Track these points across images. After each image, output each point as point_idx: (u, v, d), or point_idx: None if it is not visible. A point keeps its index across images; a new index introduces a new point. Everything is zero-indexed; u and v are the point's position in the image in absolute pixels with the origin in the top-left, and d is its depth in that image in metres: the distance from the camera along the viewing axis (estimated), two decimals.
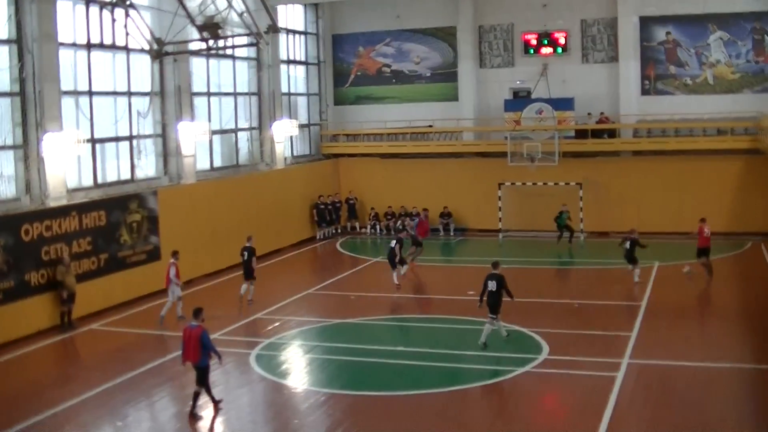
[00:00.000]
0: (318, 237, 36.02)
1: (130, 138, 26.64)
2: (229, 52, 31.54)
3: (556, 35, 35.79)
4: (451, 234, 36.12)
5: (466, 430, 14.77)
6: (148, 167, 27.59)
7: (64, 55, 23.70)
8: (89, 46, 24.95)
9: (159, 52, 26.66)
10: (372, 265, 30.51)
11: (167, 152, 28.14)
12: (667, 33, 34.24)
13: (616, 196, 34.08)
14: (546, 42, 35.93)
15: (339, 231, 37.42)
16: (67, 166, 23.42)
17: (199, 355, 15.45)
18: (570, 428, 14.82)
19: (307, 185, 35.94)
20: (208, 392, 15.77)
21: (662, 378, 16.90)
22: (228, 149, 32.68)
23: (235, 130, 32.80)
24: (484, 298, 19.29)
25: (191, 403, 15.57)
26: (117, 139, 26.27)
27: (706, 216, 27.18)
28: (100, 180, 25.39)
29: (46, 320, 21.72)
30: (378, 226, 37.30)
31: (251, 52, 33.11)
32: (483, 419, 15.37)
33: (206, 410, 15.72)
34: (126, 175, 26.56)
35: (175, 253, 22.68)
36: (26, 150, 22.48)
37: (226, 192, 30.13)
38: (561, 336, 19.94)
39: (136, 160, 26.81)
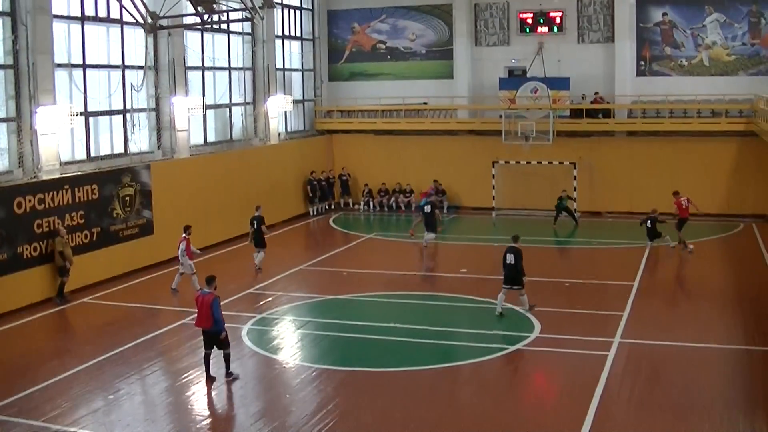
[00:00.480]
0: (311, 213, 36.03)
1: (123, 112, 26.53)
2: (223, 26, 31.35)
3: (552, 14, 35.66)
4: (445, 211, 36.15)
5: (458, 407, 14.84)
6: (141, 141, 27.46)
7: (58, 28, 23.51)
8: (83, 19, 24.80)
9: (153, 26, 26.45)
10: (365, 241, 30.58)
11: (161, 126, 28.03)
12: (664, 14, 34.13)
13: (610, 176, 34.15)
14: (542, 21, 35.82)
15: (332, 207, 37.43)
16: (60, 139, 23.32)
17: (212, 321, 15.69)
18: (561, 406, 14.90)
19: (300, 161, 35.90)
20: (206, 364, 15.93)
21: (653, 357, 17.02)
22: (222, 124, 32.57)
23: (229, 105, 32.68)
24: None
25: (225, 366, 15.99)
26: (110, 112, 26.19)
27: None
28: (93, 153, 25.29)
29: (38, 293, 21.74)
30: (371, 203, 37.34)
31: (246, 27, 32.90)
32: (474, 396, 15.44)
33: (199, 384, 15.83)
34: (119, 148, 26.47)
35: (186, 228, 22.73)
36: (19, 123, 22.39)
37: (220, 167, 30.08)
38: (553, 314, 20.02)
39: (129, 134, 26.68)
